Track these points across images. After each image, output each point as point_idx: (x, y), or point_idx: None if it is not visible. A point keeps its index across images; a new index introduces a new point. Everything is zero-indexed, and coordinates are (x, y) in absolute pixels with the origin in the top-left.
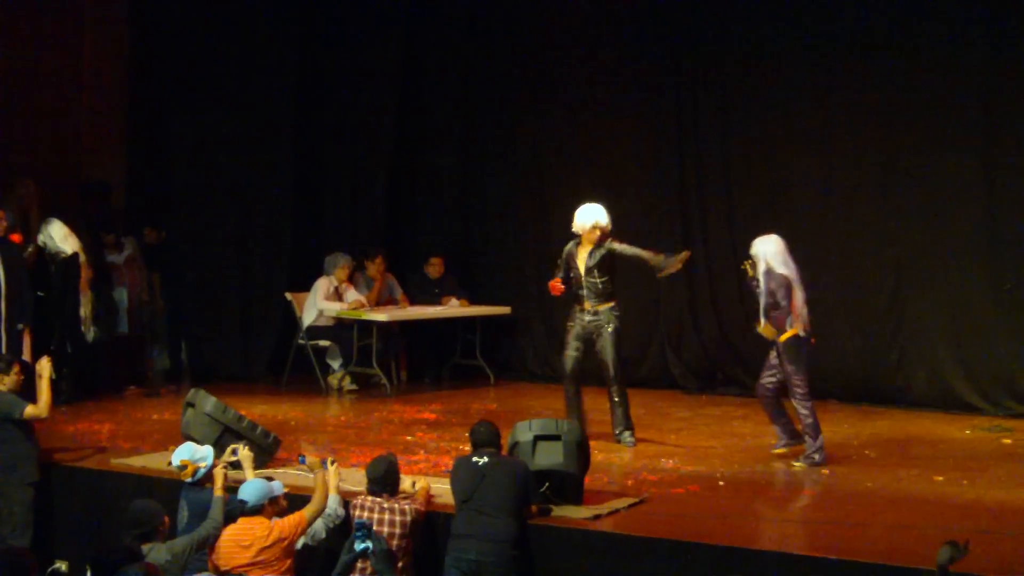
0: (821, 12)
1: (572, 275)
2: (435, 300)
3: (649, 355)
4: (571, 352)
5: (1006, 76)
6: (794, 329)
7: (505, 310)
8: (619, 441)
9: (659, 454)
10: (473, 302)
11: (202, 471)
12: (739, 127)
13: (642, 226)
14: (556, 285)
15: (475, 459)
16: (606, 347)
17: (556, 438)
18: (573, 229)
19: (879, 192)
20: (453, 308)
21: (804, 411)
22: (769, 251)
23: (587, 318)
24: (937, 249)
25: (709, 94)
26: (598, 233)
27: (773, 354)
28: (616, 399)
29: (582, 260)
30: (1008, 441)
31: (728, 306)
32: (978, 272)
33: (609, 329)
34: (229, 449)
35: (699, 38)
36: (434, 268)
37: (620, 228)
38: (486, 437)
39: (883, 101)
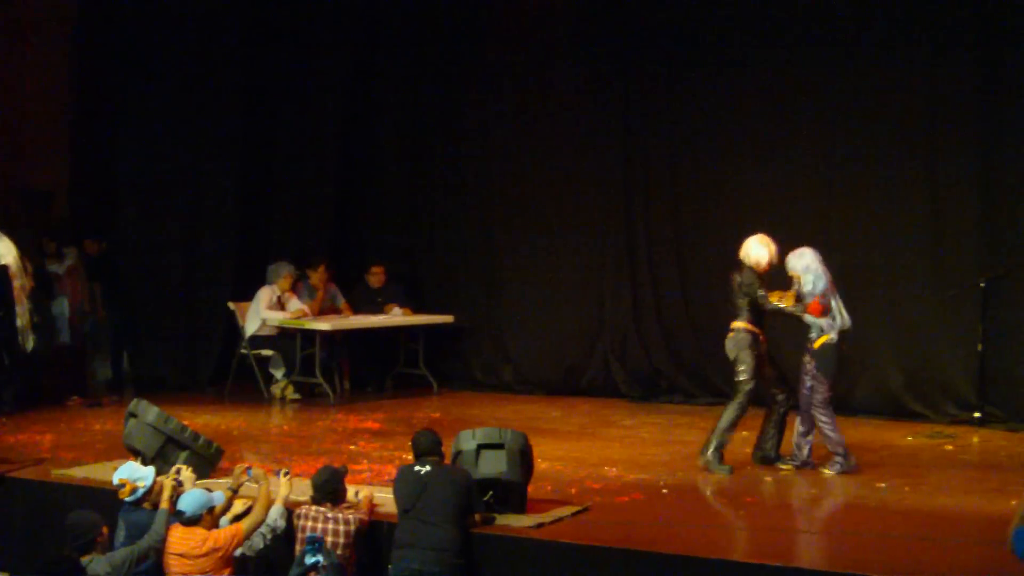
0: (766, 18)
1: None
2: (378, 309)
3: (593, 363)
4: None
5: (950, 83)
6: (827, 335)
7: (448, 319)
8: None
9: (602, 462)
10: (416, 311)
11: (140, 491)
12: (684, 135)
13: (587, 234)
14: None
15: (418, 468)
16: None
17: (499, 447)
18: (769, 258)
19: (823, 200)
20: (396, 317)
21: (824, 419)
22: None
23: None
24: (880, 257)
25: (655, 103)
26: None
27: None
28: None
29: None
30: (950, 448)
31: (672, 314)
32: (920, 279)
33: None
34: (173, 469)
35: (645, 48)
36: (376, 277)
37: (565, 238)
38: (428, 446)
39: (827, 109)
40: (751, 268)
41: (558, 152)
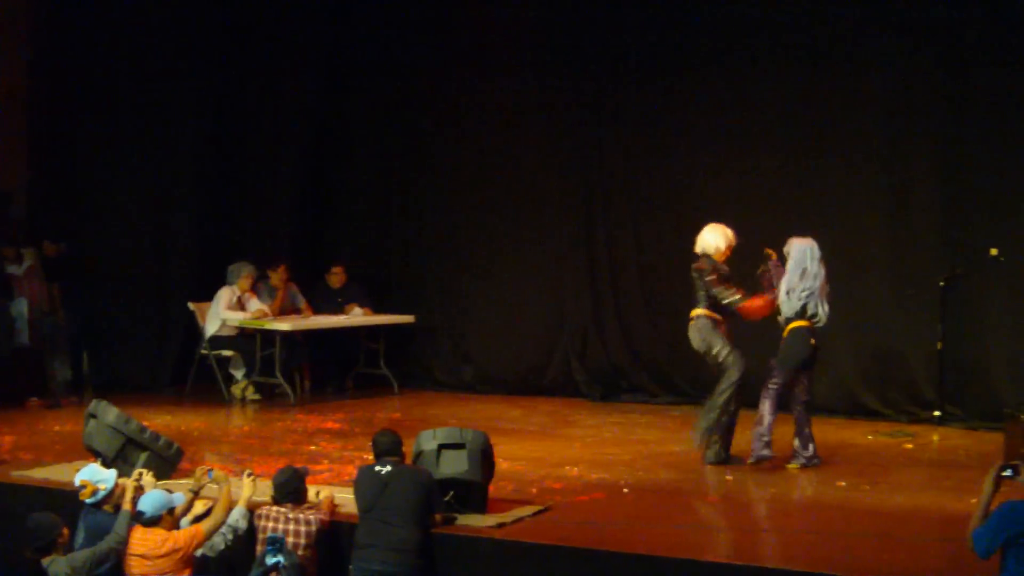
0: (728, 24)
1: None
2: (338, 309)
3: (553, 363)
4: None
5: (911, 85)
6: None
7: (409, 319)
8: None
9: (563, 462)
10: (377, 311)
11: (101, 494)
12: (644, 136)
13: (547, 234)
14: None
15: (378, 468)
16: None
17: (460, 446)
18: (727, 245)
19: (783, 200)
20: (356, 317)
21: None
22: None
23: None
24: (840, 256)
25: (616, 105)
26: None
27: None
28: None
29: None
30: (910, 446)
31: (632, 314)
32: (880, 279)
33: None
34: (135, 473)
35: (606, 52)
36: (336, 277)
37: (525, 238)
38: (388, 446)
39: (787, 111)
40: (708, 257)
41: (519, 153)
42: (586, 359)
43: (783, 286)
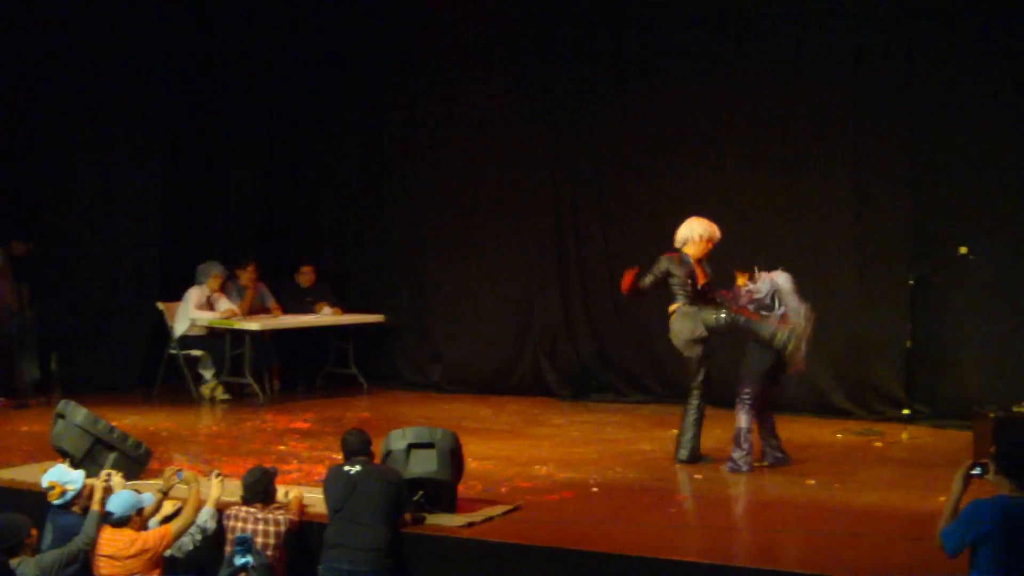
0: (692, 24)
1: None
2: (307, 308)
3: (523, 362)
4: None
5: (875, 85)
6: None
7: (378, 318)
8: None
9: (533, 461)
10: (346, 310)
11: (69, 495)
12: (611, 136)
13: (515, 233)
14: None
15: (347, 468)
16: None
17: (429, 446)
18: (712, 236)
19: (750, 200)
20: (326, 316)
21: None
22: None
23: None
24: (807, 255)
25: (582, 103)
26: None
27: None
28: None
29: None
30: (879, 444)
31: (602, 314)
32: (847, 277)
33: None
34: (103, 474)
35: (572, 51)
36: (305, 277)
37: (493, 237)
38: (357, 446)
39: (752, 111)
40: (682, 253)
41: (487, 152)
42: (555, 358)
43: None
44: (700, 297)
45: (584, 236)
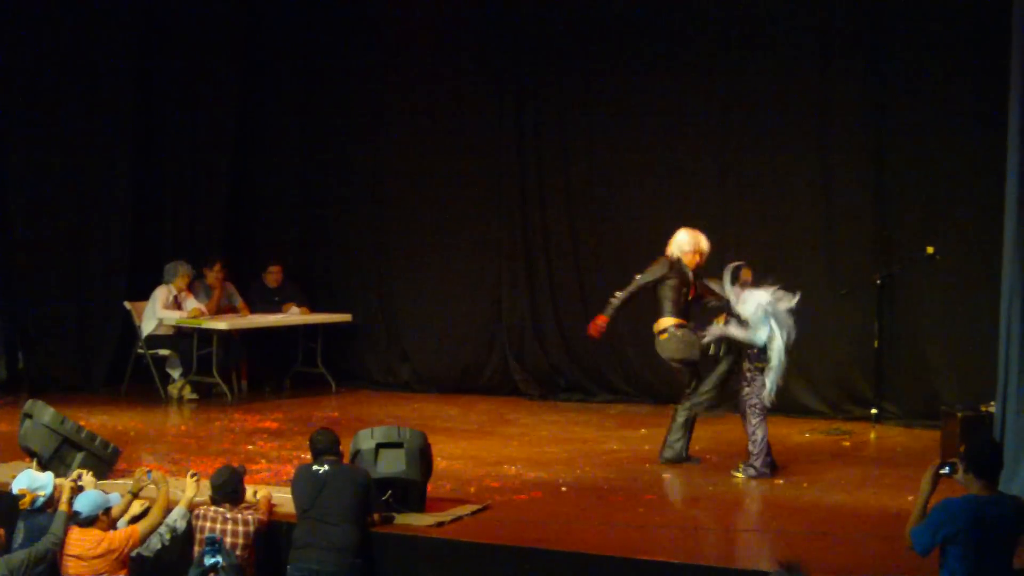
0: (659, 17)
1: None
2: (275, 308)
3: (491, 361)
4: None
5: (840, 83)
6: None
7: (346, 317)
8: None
9: (501, 460)
10: (314, 310)
11: (40, 500)
12: (578, 131)
13: (481, 230)
14: None
15: (316, 467)
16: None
17: (398, 445)
18: (692, 249)
19: (717, 199)
20: (294, 316)
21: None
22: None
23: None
24: (774, 254)
25: (548, 96)
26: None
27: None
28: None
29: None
30: (847, 444)
31: (569, 312)
32: (815, 277)
33: None
34: (75, 473)
35: (538, 43)
36: (273, 276)
37: (459, 235)
38: (326, 445)
39: (720, 108)
40: (673, 259)
41: (451, 146)
42: (524, 358)
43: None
44: (687, 311)
45: (552, 235)
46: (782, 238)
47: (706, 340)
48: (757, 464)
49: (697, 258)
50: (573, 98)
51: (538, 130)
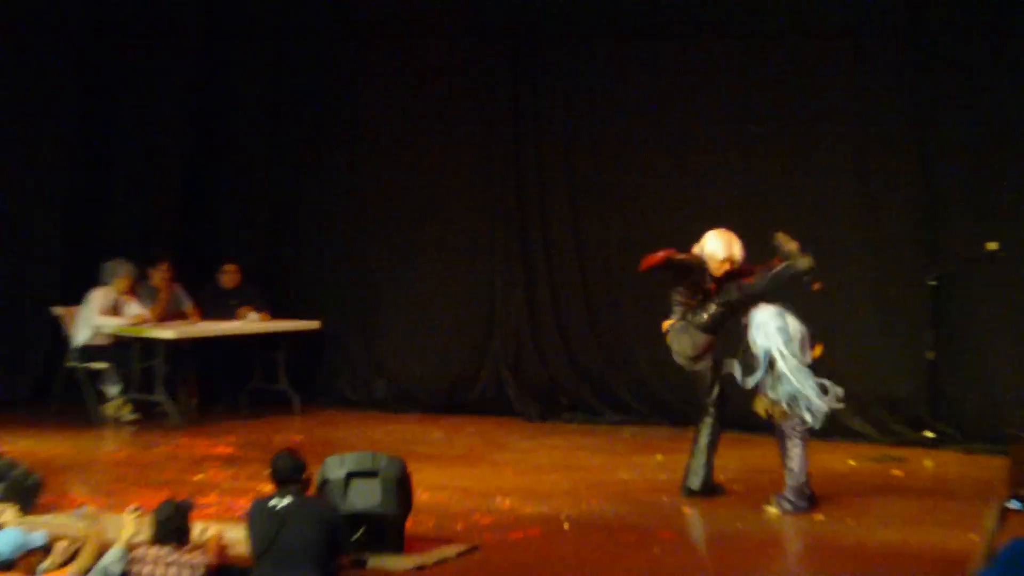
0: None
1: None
2: (230, 313)
3: (482, 376)
4: None
5: (880, 77)
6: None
7: (314, 325)
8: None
9: (494, 492)
10: (276, 316)
11: None
12: (585, 119)
13: (474, 227)
14: None
15: (275, 501)
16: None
17: (372, 474)
18: (726, 256)
19: (745, 199)
20: (252, 323)
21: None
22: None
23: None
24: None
25: (552, 82)
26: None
27: None
28: None
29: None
30: (898, 473)
31: (573, 319)
32: (857, 276)
33: None
34: None
35: (539, 21)
36: (228, 276)
37: (449, 231)
38: (287, 472)
39: (745, 101)
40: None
41: (441, 137)
42: (520, 371)
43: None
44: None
45: (554, 229)
46: (817, 234)
47: (711, 311)
48: (793, 497)
49: (727, 267)
50: (578, 77)
51: (537, 114)
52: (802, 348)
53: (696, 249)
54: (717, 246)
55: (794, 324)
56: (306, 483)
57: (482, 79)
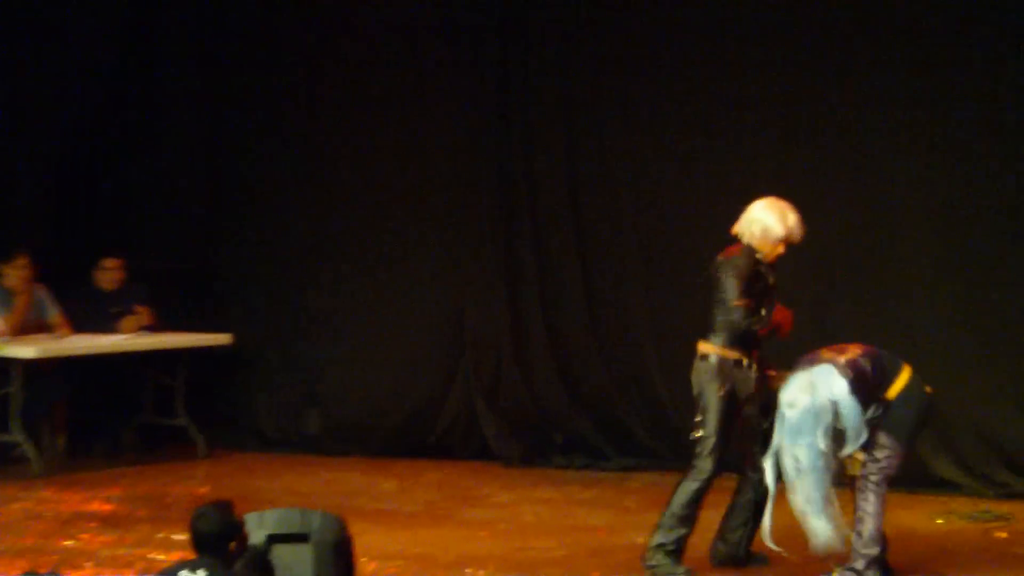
0: None
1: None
2: (111, 324)
3: (448, 407)
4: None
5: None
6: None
7: (224, 339)
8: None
9: (463, 561)
10: (173, 328)
11: None
12: (585, 88)
13: (441, 215)
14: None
15: (184, 573)
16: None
17: (301, 538)
18: (785, 233)
19: (777, 172)
20: (141, 337)
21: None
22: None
23: (751, 374)
24: (869, 252)
25: (544, 66)
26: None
27: None
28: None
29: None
30: (1003, 535)
31: (569, 332)
32: (934, 280)
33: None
34: None
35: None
36: (109, 275)
37: (408, 219)
38: (211, 533)
39: (782, 53)
40: (750, 250)
41: (400, 103)
42: (498, 401)
43: None
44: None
45: (545, 222)
46: (878, 226)
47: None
48: (861, 566)
49: (780, 248)
50: (576, 43)
51: (527, 81)
52: None
53: (739, 229)
54: (772, 221)
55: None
56: (235, 554)
57: (462, 47)
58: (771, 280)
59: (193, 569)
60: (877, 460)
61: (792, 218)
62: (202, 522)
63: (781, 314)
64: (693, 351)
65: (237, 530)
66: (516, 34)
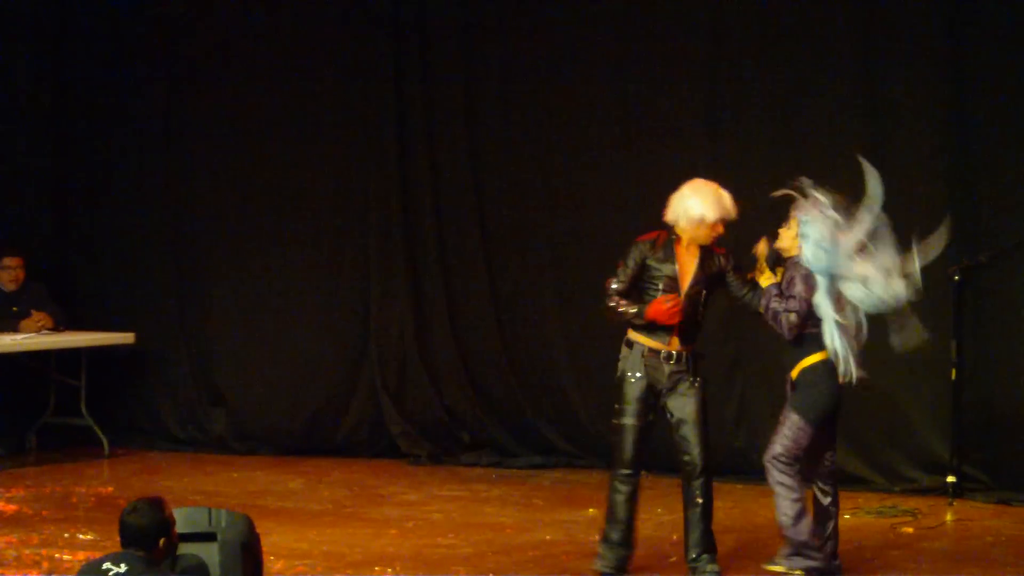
0: None
1: (654, 290)
2: (11, 324)
3: (354, 405)
4: (633, 422)
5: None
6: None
7: (127, 338)
8: (695, 572)
9: (371, 559)
10: (76, 327)
11: None
12: (489, 89)
13: (342, 207)
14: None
15: (108, 566)
16: (692, 414)
17: (208, 538)
18: (695, 215)
19: (707, 159)
20: (42, 336)
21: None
22: None
23: (670, 366)
24: None
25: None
26: (720, 230)
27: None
28: (701, 501)
29: (688, 270)
30: (909, 530)
31: (474, 325)
32: None
33: (697, 385)
34: None
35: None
36: (8, 273)
37: (308, 213)
38: (137, 530)
39: (712, 36)
40: (658, 238)
41: (297, 84)
42: (405, 398)
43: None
44: (683, 314)
45: (450, 209)
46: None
47: None
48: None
49: (710, 229)
50: (482, 31)
51: (427, 77)
52: None
53: (670, 217)
54: (692, 202)
55: None
56: (162, 552)
57: (360, 37)
58: (668, 271)
59: (116, 562)
60: (785, 436)
61: (712, 197)
62: (132, 516)
63: (655, 309)
64: (603, 350)
65: (167, 527)
66: (416, 24)
